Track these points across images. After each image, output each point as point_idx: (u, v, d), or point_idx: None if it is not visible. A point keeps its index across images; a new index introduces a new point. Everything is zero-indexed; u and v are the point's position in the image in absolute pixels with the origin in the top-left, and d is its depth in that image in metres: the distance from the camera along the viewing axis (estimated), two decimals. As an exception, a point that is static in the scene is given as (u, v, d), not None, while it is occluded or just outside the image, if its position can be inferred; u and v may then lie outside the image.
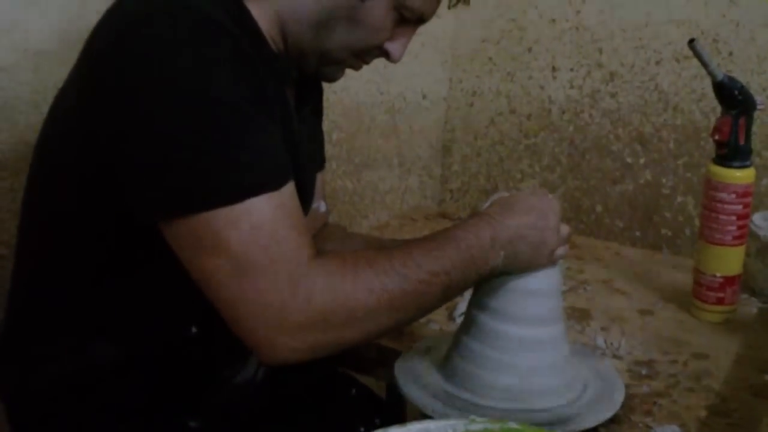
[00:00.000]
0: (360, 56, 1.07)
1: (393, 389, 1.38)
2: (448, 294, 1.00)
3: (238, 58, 0.90)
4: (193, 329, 1.03)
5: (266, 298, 0.86)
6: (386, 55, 1.08)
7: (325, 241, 1.29)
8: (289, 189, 0.91)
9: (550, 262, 1.07)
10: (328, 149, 1.96)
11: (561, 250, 1.09)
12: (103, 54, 0.92)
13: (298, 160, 1.04)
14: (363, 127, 2.10)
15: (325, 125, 1.93)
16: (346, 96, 2.01)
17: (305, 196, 1.12)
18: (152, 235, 0.91)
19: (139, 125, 0.87)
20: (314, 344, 0.89)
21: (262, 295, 0.86)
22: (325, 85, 1.90)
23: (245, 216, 0.85)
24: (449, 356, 1.12)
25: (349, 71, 1.14)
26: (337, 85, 1.95)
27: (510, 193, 1.09)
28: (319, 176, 1.30)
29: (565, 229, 1.10)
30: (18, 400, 1.08)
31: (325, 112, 1.92)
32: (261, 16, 1.00)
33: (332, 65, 1.07)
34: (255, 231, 0.86)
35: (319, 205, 1.31)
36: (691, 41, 1.31)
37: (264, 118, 0.91)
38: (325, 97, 1.90)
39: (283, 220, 0.88)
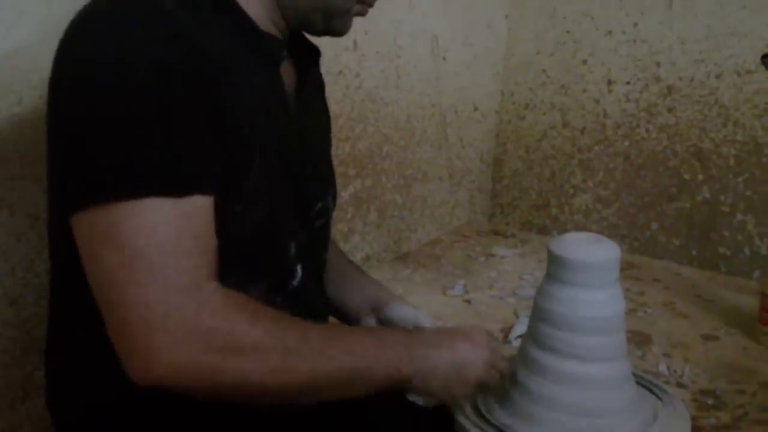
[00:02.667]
0: (363, 1, 1.03)
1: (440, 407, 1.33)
2: (348, 380, 0.91)
3: (180, 58, 0.84)
4: None
5: (151, 299, 0.79)
6: None
7: None
8: (200, 202, 0.84)
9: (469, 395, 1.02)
10: (378, 162, 1.93)
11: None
12: (58, 49, 0.89)
13: (300, 140, 1.02)
14: (413, 140, 2.05)
15: (376, 137, 1.91)
16: (397, 108, 1.97)
17: (319, 175, 1.09)
18: None
19: (59, 121, 0.85)
20: (192, 365, 0.81)
21: (150, 297, 0.79)
22: (376, 98, 1.88)
23: (144, 213, 0.80)
24: (504, 388, 1.07)
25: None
26: (389, 96, 1.92)
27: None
28: None
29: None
30: (66, 418, 1.05)
31: (375, 124, 1.89)
32: None
33: (338, 18, 1.03)
34: (152, 228, 0.80)
35: None
36: (765, 56, 1.25)
37: (192, 125, 0.85)
38: (376, 109, 1.88)
39: (187, 230, 0.82)
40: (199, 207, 0.85)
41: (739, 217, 2.11)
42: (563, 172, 2.37)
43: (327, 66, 1.66)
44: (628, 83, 2.22)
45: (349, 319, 1.23)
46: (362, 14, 1.06)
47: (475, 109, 2.31)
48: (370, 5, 1.05)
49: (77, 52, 0.85)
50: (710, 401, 1.18)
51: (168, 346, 0.80)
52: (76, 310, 0.99)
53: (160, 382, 0.81)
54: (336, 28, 1.05)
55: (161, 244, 0.81)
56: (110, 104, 0.82)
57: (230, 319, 0.82)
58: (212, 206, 0.86)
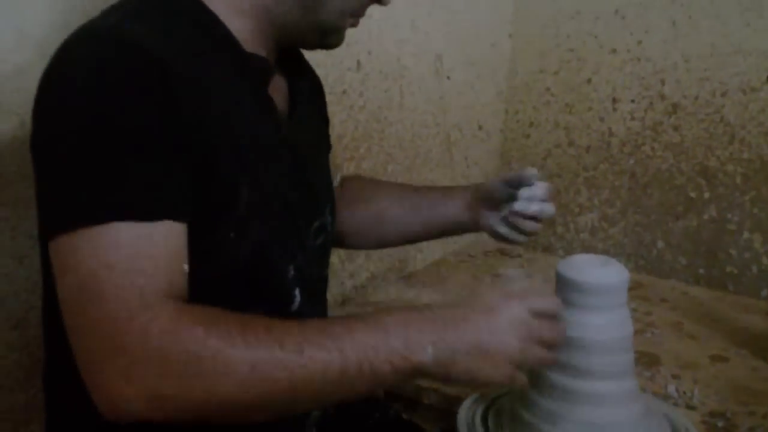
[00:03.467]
0: (356, 14, 1.04)
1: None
2: (343, 380, 0.81)
3: (151, 84, 0.83)
4: None
5: (101, 327, 0.77)
6: (378, 0, 1.04)
7: (351, 203, 1.28)
8: (169, 228, 0.82)
9: (508, 379, 0.89)
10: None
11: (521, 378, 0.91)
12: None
13: (293, 160, 1.01)
14: (418, 159, 2.05)
15: (380, 157, 1.90)
16: (401, 128, 1.96)
17: (315, 194, 1.08)
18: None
19: (36, 147, 0.86)
20: (153, 394, 0.76)
21: (98, 324, 0.77)
22: (381, 117, 1.88)
23: (103, 237, 0.79)
24: (514, 409, 1.06)
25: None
26: (393, 116, 1.91)
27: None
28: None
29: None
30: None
31: (380, 143, 1.89)
32: (230, 15, 0.96)
33: (333, 34, 1.04)
34: (109, 253, 0.78)
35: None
36: (772, 74, 1.24)
37: (164, 153, 0.84)
38: (380, 129, 1.88)
39: (145, 251, 0.80)
40: (166, 232, 0.83)
41: (746, 235, 2.10)
42: (568, 191, 2.36)
43: (330, 86, 1.66)
44: (633, 101, 2.21)
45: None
46: (355, 26, 1.07)
47: (480, 128, 2.30)
48: (361, 16, 1.06)
49: (52, 81, 0.86)
50: (720, 423, 1.16)
51: (124, 378, 0.76)
52: (64, 335, 0.97)
53: (128, 415, 0.77)
54: (330, 43, 1.05)
55: (112, 265, 0.79)
56: (79, 130, 0.82)
57: (183, 334, 0.77)
58: (184, 233, 0.84)
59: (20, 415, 1.23)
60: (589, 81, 2.27)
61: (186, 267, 0.85)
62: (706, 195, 2.14)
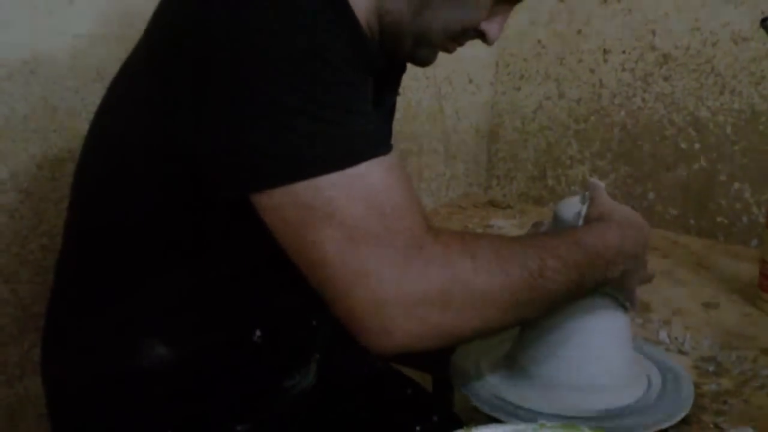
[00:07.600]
0: (456, 39, 1.00)
1: (440, 383, 1.32)
2: (565, 297, 0.93)
3: (342, 18, 0.83)
4: (258, 333, 0.96)
5: (381, 271, 0.78)
6: (482, 36, 1.01)
7: None
8: (397, 155, 0.84)
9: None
10: (374, 135, 1.92)
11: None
12: (188, 20, 0.84)
13: None
14: (409, 112, 2.04)
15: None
16: (391, 80, 1.95)
17: None
18: (223, 222, 0.85)
19: (240, 85, 0.79)
20: (429, 327, 0.81)
21: (378, 268, 0.78)
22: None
23: (360, 181, 0.78)
24: (510, 352, 1.07)
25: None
26: (383, 69, 1.90)
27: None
28: None
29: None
30: (59, 391, 1.03)
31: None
32: None
33: (427, 48, 1.00)
34: (371, 197, 0.79)
35: None
36: (765, 20, 1.24)
37: (364, 82, 0.85)
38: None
39: (397, 186, 0.81)
40: (395, 156, 0.84)
41: (737, 185, 2.10)
42: (559, 143, 2.35)
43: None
44: (623, 52, 2.21)
45: None
46: (449, 51, 1.03)
47: (470, 80, 2.29)
48: (460, 44, 1.03)
49: (238, 21, 0.80)
50: (711, 368, 1.17)
51: (404, 314, 0.80)
52: (83, 288, 0.97)
53: (401, 348, 0.81)
54: (421, 58, 1.02)
55: (382, 209, 0.79)
56: (301, 71, 0.79)
57: (458, 269, 0.81)
58: None
59: (15, 369, 1.24)
60: (579, 32, 2.26)
61: None
62: (697, 146, 2.15)
